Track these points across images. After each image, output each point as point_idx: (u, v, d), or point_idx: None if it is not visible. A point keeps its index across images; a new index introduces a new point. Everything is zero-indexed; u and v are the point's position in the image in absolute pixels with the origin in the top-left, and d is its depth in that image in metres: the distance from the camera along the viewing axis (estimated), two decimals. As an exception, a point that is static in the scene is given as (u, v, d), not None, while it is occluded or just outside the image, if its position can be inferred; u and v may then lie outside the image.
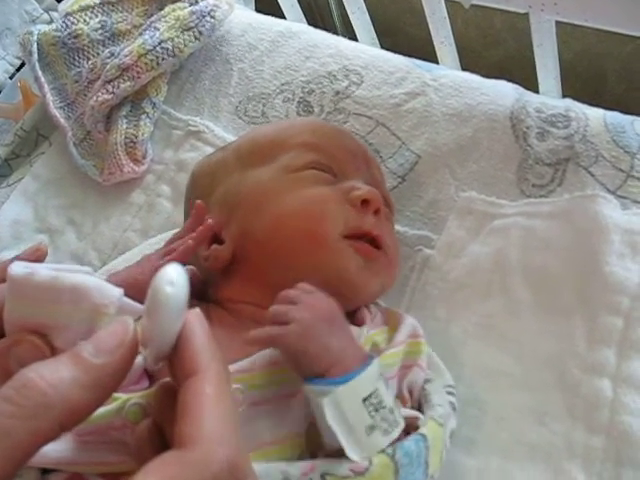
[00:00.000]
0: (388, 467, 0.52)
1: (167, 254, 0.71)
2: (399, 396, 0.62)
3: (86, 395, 0.35)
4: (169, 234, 0.79)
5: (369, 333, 0.63)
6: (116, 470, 0.49)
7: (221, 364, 0.38)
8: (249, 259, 0.68)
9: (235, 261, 0.69)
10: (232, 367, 0.54)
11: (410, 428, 0.57)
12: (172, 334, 0.37)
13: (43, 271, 0.46)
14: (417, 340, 0.66)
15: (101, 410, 0.42)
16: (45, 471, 0.51)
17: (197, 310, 0.39)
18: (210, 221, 0.69)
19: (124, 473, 0.33)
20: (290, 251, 0.66)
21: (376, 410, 0.52)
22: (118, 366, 0.36)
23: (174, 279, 0.36)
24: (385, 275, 0.69)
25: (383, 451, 0.52)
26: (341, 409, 0.50)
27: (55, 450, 0.41)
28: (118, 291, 0.43)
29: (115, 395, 0.45)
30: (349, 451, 0.50)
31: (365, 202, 0.67)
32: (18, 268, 0.47)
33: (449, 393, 0.64)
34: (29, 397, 0.33)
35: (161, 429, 0.39)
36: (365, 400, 0.52)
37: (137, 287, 0.43)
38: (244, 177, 0.72)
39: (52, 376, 0.34)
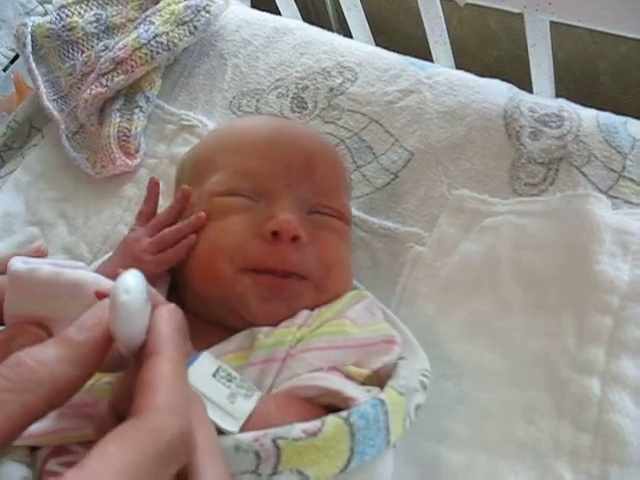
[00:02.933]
0: (341, 429, 0.52)
1: (159, 245, 0.73)
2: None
3: (71, 370, 0.39)
4: None
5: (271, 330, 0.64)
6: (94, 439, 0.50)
7: (180, 350, 0.41)
8: (183, 276, 0.72)
9: (180, 272, 0.73)
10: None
11: None
12: (133, 332, 0.41)
13: (46, 267, 0.49)
14: (340, 321, 0.65)
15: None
16: (33, 450, 0.53)
17: (171, 306, 0.44)
18: (202, 214, 0.71)
19: None
20: (197, 282, 0.69)
21: (229, 380, 0.53)
22: (98, 341, 0.40)
23: (130, 287, 0.40)
24: (307, 296, 0.67)
25: (338, 415, 0.52)
26: (196, 389, 0.51)
27: (38, 426, 0.43)
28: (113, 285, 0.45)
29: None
30: (222, 422, 0.50)
31: (276, 233, 0.66)
32: (19, 264, 0.49)
33: (423, 375, 0.64)
34: (20, 373, 0.37)
35: (122, 408, 0.41)
36: (214, 375, 0.53)
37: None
38: (196, 194, 0.74)
39: (40, 355, 0.38)
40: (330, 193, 0.73)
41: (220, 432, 0.50)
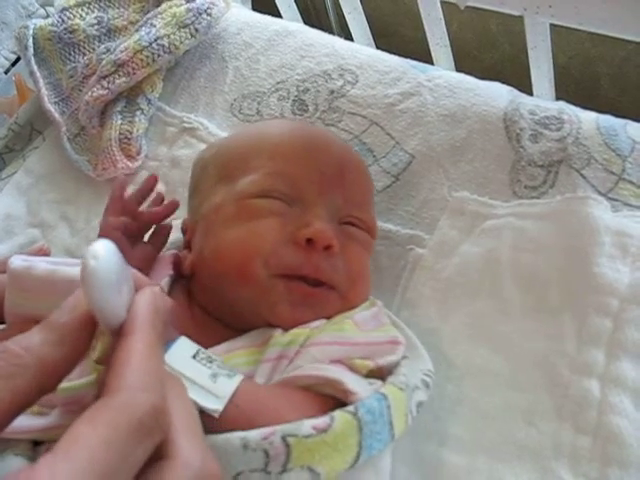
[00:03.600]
0: (350, 424, 0.52)
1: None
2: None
3: (57, 351, 0.39)
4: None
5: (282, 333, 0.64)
6: None
7: (156, 332, 0.41)
8: (200, 275, 0.71)
9: (194, 271, 0.71)
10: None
11: None
12: (109, 305, 0.40)
13: (41, 265, 0.49)
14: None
15: (82, 381, 0.44)
16: (35, 444, 0.53)
17: (155, 288, 0.44)
18: (177, 201, 0.77)
19: None
20: (225, 282, 0.67)
21: (209, 362, 0.53)
22: (81, 320, 0.40)
23: (98, 254, 0.39)
24: (332, 306, 0.68)
25: (346, 410, 0.53)
26: (176, 370, 0.51)
27: (42, 421, 0.43)
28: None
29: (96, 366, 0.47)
30: (204, 401, 0.50)
31: (310, 241, 0.66)
32: (18, 261, 0.50)
33: (425, 374, 0.64)
34: (6, 359, 0.38)
35: None
36: (194, 357, 0.53)
37: None
38: (212, 192, 0.73)
39: (25, 341, 0.39)
40: (360, 205, 0.74)
41: (202, 413, 0.49)
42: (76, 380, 0.44)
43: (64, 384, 0.43)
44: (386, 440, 0.55)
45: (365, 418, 0.53)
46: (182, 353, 0.53)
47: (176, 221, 0.82)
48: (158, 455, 0.37)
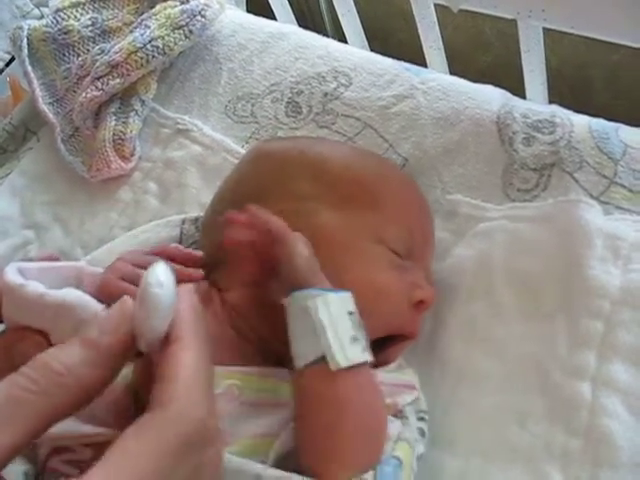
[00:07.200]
0: None
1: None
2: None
3: (96, 374, 0.38)
4: (150, 225, 0.82)
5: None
6: (98, 440, 0.50)
7: (202, 337, 0.40)
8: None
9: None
10: (231, 368, 0.57)
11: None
12: (161, 328, 0.39)
13: (31, 287, 0.49)
14: None
15: None
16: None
17: (189, 286, 0.43)
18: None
19: (107, 442, 0.36)
20: None
21: (358, 326, 0.53)
22: (123, 343, 0.39)
23: (163, 281, 0.39)
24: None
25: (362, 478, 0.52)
26: (330, 312, 0.52)
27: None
28: (100, 307, 0.47)
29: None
30: (336, 353, 0.51)
31: (421, 303, 0.67)
32: (12, 274, 0.50)
33: (420, 419, 0.65)
34: (46, 376, 0.37)
35: (139, 399, 0.42)
36: (350, 314, 0.53)
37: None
38: (321, 210, 0.67)
39: (66, 358, 0.38)
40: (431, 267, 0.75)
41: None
42: None
43: None
44: None
45: None
46: (344, 304, 0.54)
47: (174, 217, 0.82)
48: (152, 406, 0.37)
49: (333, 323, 0.52)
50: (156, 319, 0.39)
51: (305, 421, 0.54)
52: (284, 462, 0.54)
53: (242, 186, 0.74)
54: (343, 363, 0.51)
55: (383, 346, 0.65)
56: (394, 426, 0.59)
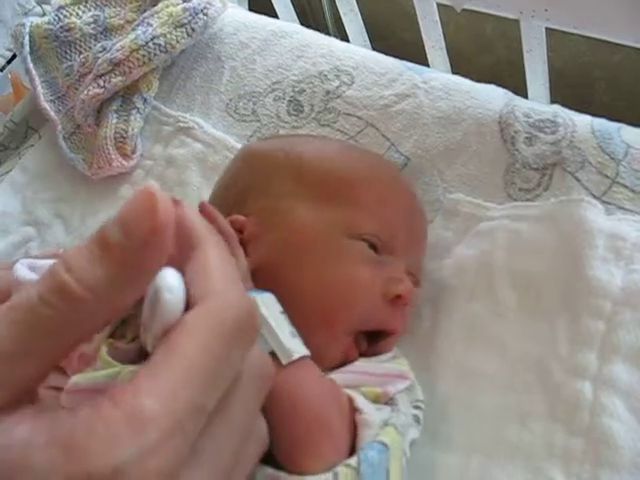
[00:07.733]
0: (353, 479, 0.53)
1: None
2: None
3: (124, 291, 0.34)
4: None
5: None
6: None
7: (217, 236, 0.39)
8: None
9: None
10: None
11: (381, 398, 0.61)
12: (164, 330, 0.39)
13: None
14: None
15: (101, 372, 0.44)
16: None
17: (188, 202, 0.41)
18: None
19: None
20: (303, 315, 0.60)
21: (292, 325, 0.54)
22: (151, 252, 0.34)
23: (173, 286, 0.38)
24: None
25: (349, 465, 0.53)
26: (270, 310, 0.52)
27: None
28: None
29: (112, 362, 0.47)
30: (286, 347, 0.52)
31: (398, 298, 0.65)
32: (23, 270, 0.50)
33: (416, 407, 0.65)
34: (67, 302, 0.32)
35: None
36: (282, 313, 0.54)
37: None
38: (298, 207, 0.67)
39: (86, 275, 0.33)
40: (422, 268, 0.75)
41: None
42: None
43: (89, 373, 0.44)
44: None
45: (367, 472, 0.53)
46: (272, 304, 0.54)
47: None
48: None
49: (276, 319, 0.53)
50: (161, 325, 0.38)
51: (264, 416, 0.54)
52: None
53: (230, 186, 0.75)
54: (294, 356, 0.52)
55: (377, 339, 0.66)
56: (381, 413, 0.59)
